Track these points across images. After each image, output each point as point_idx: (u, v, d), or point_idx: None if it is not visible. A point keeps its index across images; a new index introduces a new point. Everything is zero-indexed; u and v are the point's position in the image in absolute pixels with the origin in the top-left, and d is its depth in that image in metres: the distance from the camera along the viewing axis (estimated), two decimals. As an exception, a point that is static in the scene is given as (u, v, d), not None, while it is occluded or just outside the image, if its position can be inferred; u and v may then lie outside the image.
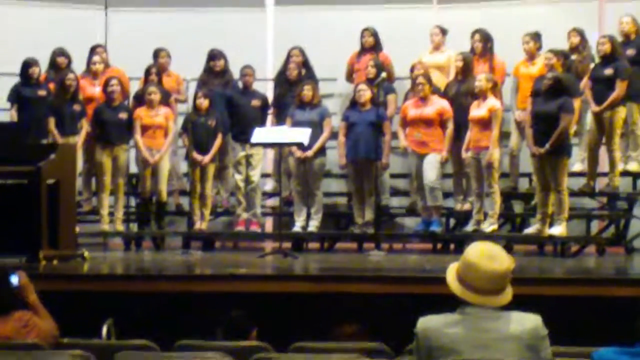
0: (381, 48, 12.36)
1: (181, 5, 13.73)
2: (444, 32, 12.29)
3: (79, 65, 12.30)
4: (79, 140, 11.58)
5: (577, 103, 10.81)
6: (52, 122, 11.57)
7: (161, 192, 11.66)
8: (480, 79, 10.85)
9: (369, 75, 11.64)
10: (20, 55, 11.98)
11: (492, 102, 10.74)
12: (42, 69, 12.15)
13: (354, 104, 11.48)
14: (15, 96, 11.89)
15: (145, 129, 11.62)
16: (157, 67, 12.21)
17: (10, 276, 5.31)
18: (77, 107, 11.69)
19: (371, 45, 12.33)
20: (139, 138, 11.61)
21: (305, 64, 12.37)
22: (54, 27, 13.29)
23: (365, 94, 11.34)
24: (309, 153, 11.38)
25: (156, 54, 12.49)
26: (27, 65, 11.83)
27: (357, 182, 11.40)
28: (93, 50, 12.47)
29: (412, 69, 11.82)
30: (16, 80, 11.99)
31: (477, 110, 10.80)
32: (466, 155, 10.93)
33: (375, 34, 12.35)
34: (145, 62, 12.31)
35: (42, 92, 11.86)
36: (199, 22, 13.61)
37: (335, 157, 11.76)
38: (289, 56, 12.34)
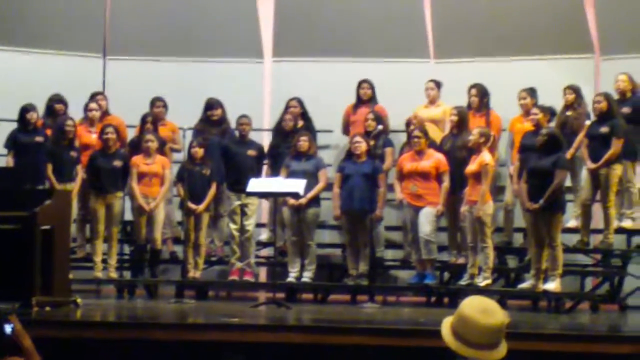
0: (377, 101, 12.43)
1: (179, 55, 13.80)
2: (438, 85, 12.37)
3: (75, 112, 12.33)
4: (75, 186, 11.60)
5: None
6: (49, 168, 11.61)
7: (156, 240, 11.65)
8: (474, 133, 10.89)
9: (368, 128, 11.69)
10: (17, 102, 12.02)
11: (483, 157, 10.76)
12: (39, 115, 12.20)
13: (349, 155, 11.52)
14: (12, 142, 11.92)
15: (141, 176, 11.64)
16: (153, 116, 12.25)
17: (3, 324, 5.28)
18: (73, 154, 11.73)
19: (368, 97, 12.41)
20: (135, 185, 11.62)
21: (304, 115, 12.45)
22: (51, 75, 13.34)
23: (361, 145, 11.38)
24: (302, 201, 11.39)
25: (152, 103, 12.55)
26: (25, 110, 11.88)
27: (352, 234, 11.40)
28: (93, 97, 12.52)
29: (407, 123, 11.89)
30: (13, 126, 12.02)
31: (471, 165, 10.84)
32: (464, 209, 10.94)
33: (372, 87, 12.44)
34: (142, 110, 12.37)
35: (39, 138, 11.90)
36: (197, 72, 13.67)
37: (330, 208, 11.78)
38: (287, 107, 12.40)
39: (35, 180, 11.27)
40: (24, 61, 13.58)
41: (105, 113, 12.55)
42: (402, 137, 12.30)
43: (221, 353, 7.14)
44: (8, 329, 5.26)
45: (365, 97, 12.44)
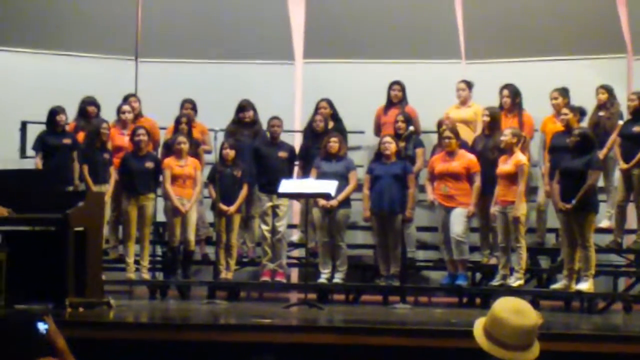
0: (407, 102, 12.43)
1: (211, 57, 13.84)
2: (470, 86, 12.34)
3: (107, 115, 12.40)
4: (108, 188, 11.66)
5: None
6: (85, 170, 11.68)
7: (190, 242, 11.70)
8: (506, 133, 10.86)
9: (398, 130, 11.69)
10: (50, 104, 12.08)
11: (518, 157, 10.75)
12: (70, 118, 12.29)
13: (379, 156, 11.52)
14: (41, 144, 11.99)
15: (175, 178, 11.68)
16: (187, 117, 12.30)
17: (38, 323, 5.32)
18: (106, 156, 11.80)
19: (399, 99, 12.41)
20: (169, 187, 11.66)
21: (334, 116, 12.45)
22: (84, 77, 13.40)
23: (390, 146, 11.37)
24: (333, 202, 11.40)
25: (182, 105, 12.60)
26: (54, 113, 11.94)
27: (381, 235, 11.40)
28: (126, 100, 12.59)
29: (439, 124, 11.85)
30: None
31: (504, 165, 10.81)
32: (494, 209, 10.92)
33: (403, 89, 12.43)
34: (174, 112, 12.42)
35: (67, 141, 11.96)
36: (229, 74, 13.72)
37: (361, 209, 11.77)
38: (317, 108, 12.41)
39: (64, 182, 11.35)
40: (57, 64, 13.67)
41: (138, 115, 12.63)
42: (434, 138, 12.27)
43: (251, 354, 7.14)
44: (43, 328, 5.29)
45: (396, 99, 12.43)
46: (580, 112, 11.37)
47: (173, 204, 11.64)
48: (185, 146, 11.72)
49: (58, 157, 11.85)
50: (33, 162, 12.10)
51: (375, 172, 11.45)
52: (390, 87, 12.48)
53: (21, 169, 11.81)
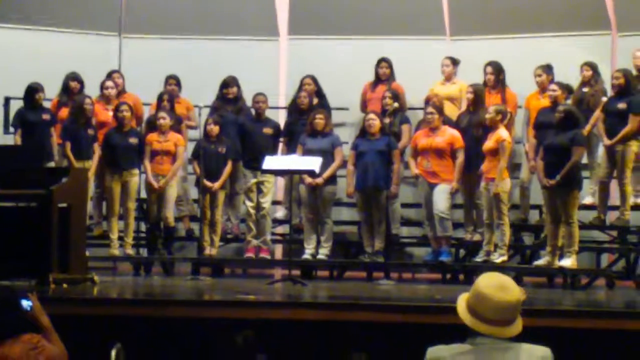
0: (394, 78, 12.42)
1: (195, 33, 13.79)
2: (455, 63, 12.34)
3: (91, 91, 12.35)
4: (92, 164, 11.63)
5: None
6: (68, 147, 11.63)
7: (167, 218, 11.68)
8: (490, 110, 10.87)
9: (385, 106, 11.69)
10: (33, 80, 12.02)
11: (499, 133, 10.75)
12: (53, 93, 12.24)
13: (363, 132, 11.51)
14: (20, 120, 11.93)
15: (154, 154, 11.67)
16: (169, 94, 12.27)
17: (21, 300, 5.31)
18: (91, 132, 11.76)
19: (387, 76, 12.39)
20: (147, 163, 11.66)
21: (318, 92, 12.44)
22: (68, 53, 13.34)
23: (375, 123, 11.37)
24: (320, 180, 11.41)
25: (165, 81, 12.58)
26: (32, 90, 11.88)
27: (366, 211, 11.41)
28: (109, 76, 12.55)
29: (427, 101, 11.82)
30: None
31: (487, 142, 10.82)
32: (482, 185, 10.94)
33: (391, 66, 12.42)
34: (158, 88, 12.40)
35: (45, 116, 11.93)
36: (213, 50, 13.67)
37: (346, 185, 11.78)
38: (301, 84, 12.39)
39: (44, 159, 11.31)
40: (40, 40, 13.60)
41: (121, 91, 12.59)
42: (420, 115, 12.27)
43: (233, 332, 7.14)
44: (27, 305, 5.28)
45: (384, 76, 12.42)
46: (568, 90, 11.38)
47: (147, 180, 11.63)
48: (164, 121, 11.68)
49: (37, 133, 11.80)
50: (12, 138, 12.05)
51: (360, 148, 11.44)
52: (377, 64, 12.47)
53: (1, 145, 11.78)
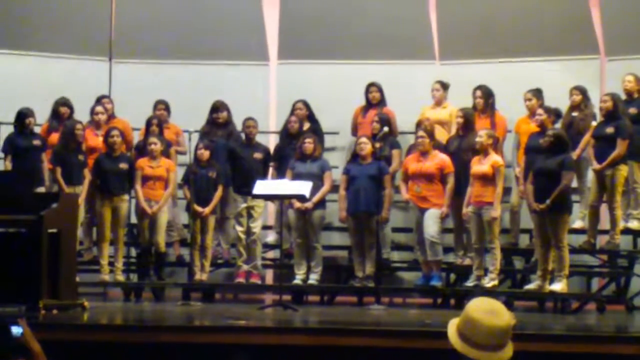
0: (385, 103, 12.45)
1: (185, 58, 13.80)
2: (445, 87, 12.37)
3: (80, 116, 12.34)
4: (82, 190, 11.62)
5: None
6: (58, 172, 11.62)
7: (159, 244, 11.67)
8: (482, 134, 10.90)
9: (373, 130, 11.71)
10: (23, 105, 12.01)
11: (494, 158, 10.79)
12: (43, 119, 12.25)
13: (355, 157, 11.53)
14: (10, 146, 11.92)
15: (145, 179, 11.66)
16: (158, 119, 12.27)
17: (12, 326, 5.29)
18: (81, 157, 11.75)
19: (377, 100, 12.42)
20: (138, 188, 11.65)
21: (310, 117, 12.47)
22: (57, 78, 13.35)
23: (366, 147, 11.39)
24: (309, 205, 11.41)
25: (154, 106, 12.58)
26: (23, 115, 11.88)
27: (358, 236, 11.41)
28: (99, 101, 12.55)
29: (418, 125, 11.84)
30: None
31: (480, 166, 10.84)
32: (466, 210, 10.96)
33: (381, 90, 12.45)
34: (147, 113, 12.41)
35: (36, 142, 11.91)
36: (203, 75, 13.68)
37: (336, 210, 11.79)
38: (293, 109, 12.42)
39: (35, 184, 11.31)
40: (30, 65, 13.60)
41: (111, 116, 12.59)
42: (410, 139, 12.29)
43: (228, 355, 7.13)
44: (17, 331, 5.27)
45: (374, 100, 12.45)
46: (556, 114, 11.42)
47: (140, 206, 11.62)
48: (156, 147, 11.68)
49: (28, 158, 11.77)
50: (1, 164, 12.05)
51: (352, 173, 11.45)
52: (367, 89, 12.51)
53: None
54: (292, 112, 12.40)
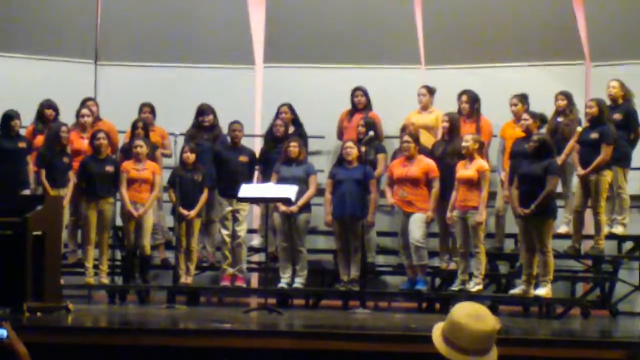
0: (371, 107, 12.45)
1: (171, 61, 13.78)
2: (431, 92, 12.38)
3: (66, 118, 12.32)
4: (67, 192, 11.59)
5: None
6: (43, 174, 11.59)
7: (144, 246, 11.64)
8: (467, 139, 10.92)
9: (359, 135, 11.72)
10: (8, 107, 11.99)
11: (480, 162, 10.81)
12: (28, 121, 12.21)
13: (341, 161, 11.54)
14: None
15: (131, 182, 11.64)
16: (144, 121, 12.25)
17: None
18: (66, 160, 11.72)
19: (363, 104, 12.42)
20: (124, 191, 11.62)
21: (295, 121, 12.46)
22: (42, 80, 13.31)
23: (352, 151, 11.40)
24: (294, 208, 11.42)
25: (140, 108, 12.56)
26: (8, 117, 11.84)
27: (343, 239, 11.41)
28: (84, 103, 12.52)
29: (403, 129, 11.87)
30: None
31: (465, 171, 10.86)
32: (451, 214, 10.97)
33: (366, 94, 12.46)
34: (133, 116, 12.37)
35: (22, 144, 11.86)
36: (189, 78, 13.64)
37: (322, 213, 11.79)
38: (278, 113, 12.42)
39: (20, 186, 11.27)
40: (15, 67, 13.54)
41: (96, 119, 12.55)
42: (395, 143, 12.30)
43: (212, 359, 7.13)
44: (2, 334, 5.25)
45: (360, 104, 12.45)
46: (541, 119, 11.44)
47: (126, 208, 11.60)
48: (142, 149, 11.66)
49: (13, 161, 11.73)
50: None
51: (337, 177, 11.46)
52: (352, 93, 12.50)
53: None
54: (277, 116, 12.40)
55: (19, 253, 8.97)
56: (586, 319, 10.81)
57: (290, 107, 12.47)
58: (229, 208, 11.82)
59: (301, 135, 12.30)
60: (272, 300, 11.24)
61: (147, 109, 12.60)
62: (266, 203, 11.21)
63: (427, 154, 11.48)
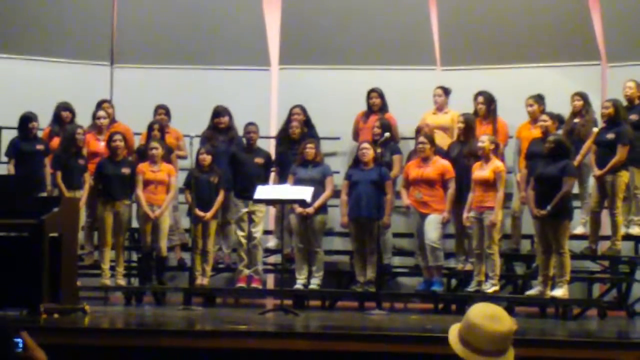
0: (387, 109, 12.45)
1: (186, 63, 13.81)
2: (447, 92, 12.37)
3: (82, 120, 12.36)
4: (83, 194, 11.62)
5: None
6: (59, 176, 11.62)
7: (161, 248, 11.66)
8: (484, 140, 10.90)
9: (374, 136, 11.71)
10: (25, 110, 12.04)
11: (496, 163, 10.79)
12: (45, 123, 12.26)
13: (357, 162, 11.54)
14: (13, 150, 11.94)
15: (147, 184, 11.66)
16: (159, 123, 12.27)
17: (14, 340, 5.27)
18: (82, 162, 11.76)
19: (379, 106, 12.42)
20: (140, 193, 11.64)
21: (307, 122, 12.46)
22: (59, 83, 13.37)
23: (368, 152, 11.40)
24: (310, 210, 11.42)
25: (155, 110, 12.58)
26: (27, 119, 11.90)
27: (359, 241, 11.41)
28: (99, 105, 12.55)
29: (418, 130, 11.86)
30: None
31: (481, 171, 10.84)
32: (468, 215, 10.96)
33: (382, 95, 12.46)
34: (148, 118, 12.41)
35: (39, 147, 11.93)
36: (204, 80, 13.69)
37: (338, 215, 11.79)
38: (290, 114, 12.42)
39: (37, 188, 11.30)
40: (32, 69, 13.60)
41: (112, 121, 12.59)
42: (411, 145, 12.30)
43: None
44: (20, 342, 5.24)
45: (375, 106, 12.44)
46: (559, 120, 11.42)
47: (143, 210, 11.62)
48: (157, 151, 11.68)
49: (31, 163, 11.80)
50: (5, 168, 12.04)
51: (353, 178, 11.46)
52: (368, 95, 12.50)
53: (-7, 175, 11.79)
54: (290, 117, 12.40)
55: (36, 255, 8.99)
56: (603, 319, 10.78)
57: (302, 108, 12.47)
58: (245, 209, 11.83)
59: (313, 136, 12.30)
60: (288, 302, 11.23)
61: (162, 111, 12.62)
62: (282, 204, 11.22)
63: (443, 155, 11.47)
